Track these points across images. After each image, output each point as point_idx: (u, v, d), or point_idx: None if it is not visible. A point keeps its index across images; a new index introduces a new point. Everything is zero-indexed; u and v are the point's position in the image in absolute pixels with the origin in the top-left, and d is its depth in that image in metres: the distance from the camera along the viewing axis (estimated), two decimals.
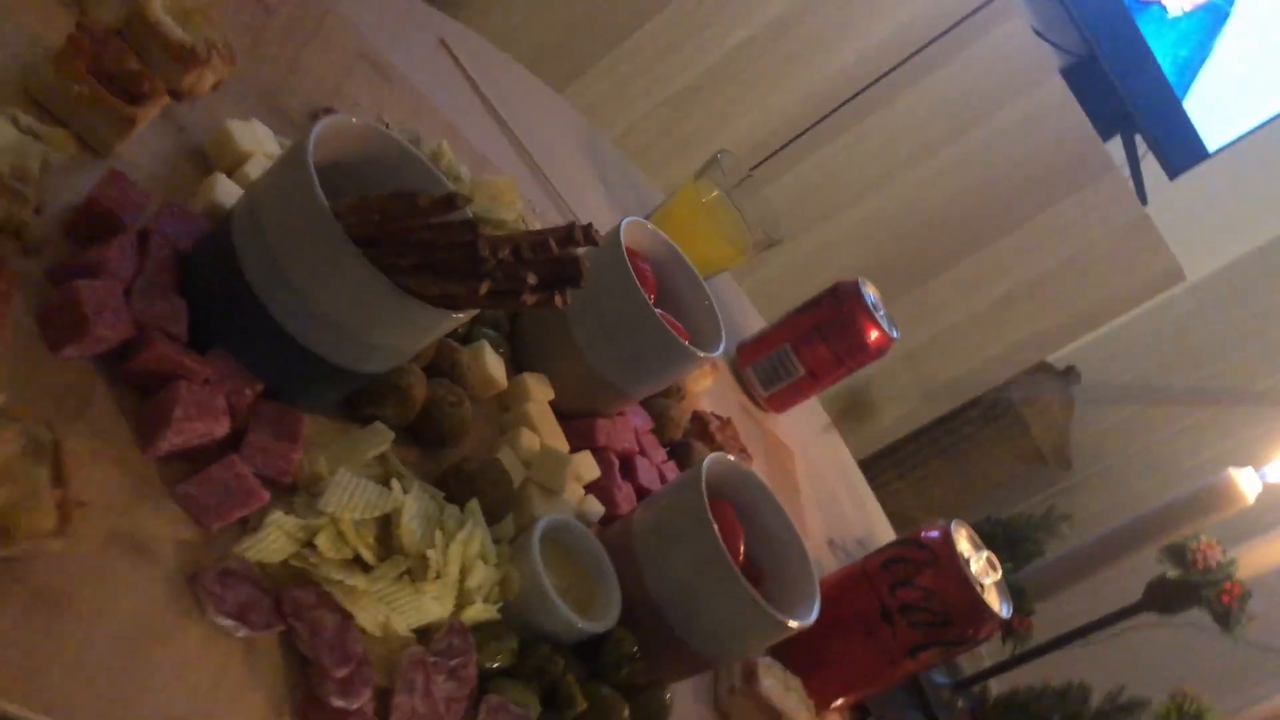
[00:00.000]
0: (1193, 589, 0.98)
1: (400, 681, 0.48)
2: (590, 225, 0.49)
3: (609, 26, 2.08)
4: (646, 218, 1.11)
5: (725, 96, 2.18)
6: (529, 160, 0.97)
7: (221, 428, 0.46)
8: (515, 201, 0.76)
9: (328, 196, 0.47)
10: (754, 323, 1.20)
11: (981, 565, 0.77)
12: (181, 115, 0.59)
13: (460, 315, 0.48)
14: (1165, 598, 1.00)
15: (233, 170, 0.57)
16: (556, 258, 0.47)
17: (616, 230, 0.71)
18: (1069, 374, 2.88)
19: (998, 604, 0.76)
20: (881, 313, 1.09)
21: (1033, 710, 0.87)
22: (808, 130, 2.27)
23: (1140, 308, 2.59)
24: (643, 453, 0.76)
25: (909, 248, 2.46)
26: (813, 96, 2.22)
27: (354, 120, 0.51)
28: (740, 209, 1.11)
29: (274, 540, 0.47)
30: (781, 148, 2.29)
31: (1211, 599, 0.97)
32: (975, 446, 2.95)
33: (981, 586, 0.75)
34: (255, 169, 0.57)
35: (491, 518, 0.57)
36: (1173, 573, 0.99)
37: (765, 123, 2.24)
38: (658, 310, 0.71)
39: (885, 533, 1.23)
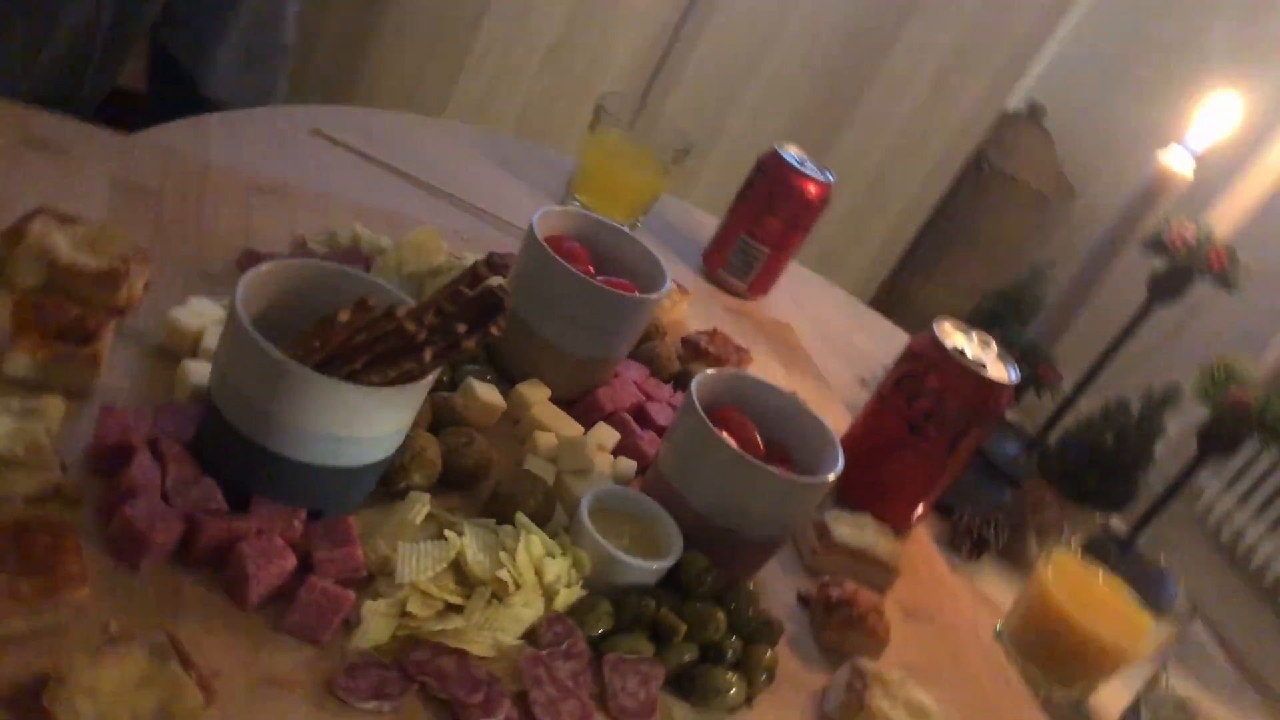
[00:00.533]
0: (1184, 270, 1.03)
1: (528, 680, 0.56)
2: (491, 255, 0.55)
3: (455, 37, 2.10)
4: (569, 186, 1.17)
5: (592, 33, 2.20)
6: (441, 194, 1.03)
7: (290, 561, 0.54)
8: (439, 246, 0.82)
9: (279, 333, 0.54)
10: (713, 230, 1.25)
11: (975, 346, 0.83)
12: (132, 325, 0.66)
13: (425, 381, 0.56)
14: (1166, 288, 1.06)
15: (194, 351, 0.64)
16: (475, 297, 0.53)
17: (530, 229, 0.77)
18: (1034, 111, 2.89)
19: (1004, 372, 0.83)
20: (809, 165, 1.14)
21: (1087, 440, 0.93)
22: (681, 29, 2.29)
23: (1069, 23, 2.59)
24: (650, 398, 0.83)
25: (823, 88, 2.48)
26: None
27: (264, 267, 0.58)
28: (644, 137, 1.16)
29: (375, 625, 0.55)
30: (664, 57, 2.32)
31: (1204, 269, 1.02)
32: (981, 218, 2.97)
33: (983, 365, 0.82)
34: (211, 339, 0.64)
35: (542, 518, 0.65)
36: (1161, 263, 1.04)
37: (641, 36, 2.26)
38: (599, 278, 0.78)
39: (905, 339, 1.30)
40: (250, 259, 0.76)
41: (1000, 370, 0.83)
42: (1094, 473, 0.93)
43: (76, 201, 0.72)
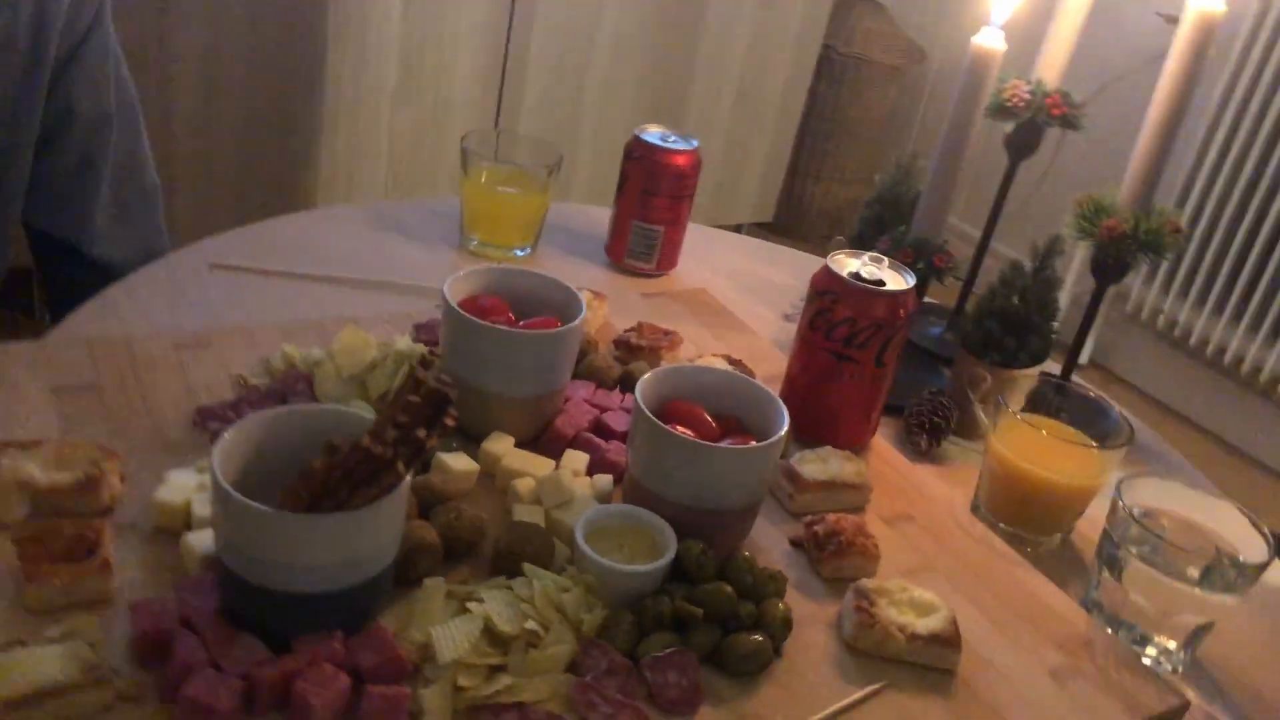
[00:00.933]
0: (1031, 123, 1.11)
1: (582, 707, 0.63)
2: (424, 355, 0.61)
3: (301, 125, 2.12)
4: (462, 229, 1.22)
5: (428, 74, 2.23)
6: (350, 282, 1.07)
7: (343, 681, 0.59)
8: (367, 340, 0.87)
9: (262, 480, 0.59)
10: (607, 222, 1.30)
11: (868, 265, 0.90)
12: (124, 517, 0.71)
13: (404, 483, 0.61)
14: (1021, 145, 1.13)
15: (188, 523, 0.69)
16: (424, 398, 0.59)
17: (444, 299, 0.82)
18: None
19: (901, 280, 0.90)
20: (672, 137, 1.20)
21: (995, 307, 1.01)
22: (509, 47, 2.33)
23: None
24: (604, 409, 0.89)
25: (658, 49, 2.54)
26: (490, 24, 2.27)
27: (227, 436, 0.63)
28: (514, 163, 1.21)
29: (436, 708, 0.61)
30: (503, 77, 2.36)
31: (1048, 118, 1.10)
32: (847, 107, 3.05)
33: (880, 280, 0.89)
34: (200, 507, 0.69)
35: (545, 559, 0.71)
36: (1008, 126, 1.12)
37: (475, 66, 2.29)
38: (520, 323, 0.84)
39: (815, 261, 1.37)
40: (204, 414, 0.80)
41: (897, 278, 0.90)
42: (1010, 335, 1.00)
43: (28, 423, 0.76)
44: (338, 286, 1.06)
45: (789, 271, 1.35)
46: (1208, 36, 0.94)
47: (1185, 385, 2.72)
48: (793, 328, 1.12)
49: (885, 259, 0.92)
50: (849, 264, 0.91)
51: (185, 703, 0.57)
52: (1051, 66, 1.10)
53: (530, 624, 0.64)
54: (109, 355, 0.86)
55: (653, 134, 1.20)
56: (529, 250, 1.22)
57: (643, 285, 1.20)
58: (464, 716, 0.62)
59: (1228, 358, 2.57)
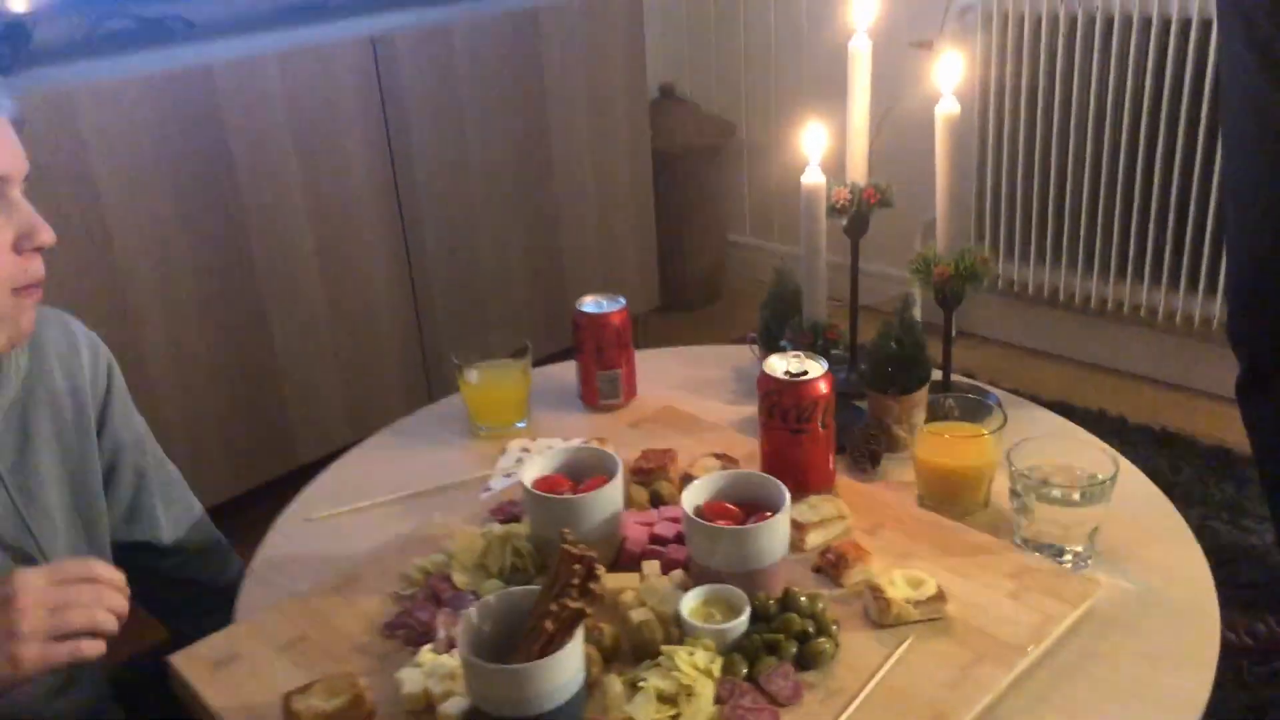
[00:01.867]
0: (861, 215, 1.50)
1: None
2: (562, 533, 0.93)
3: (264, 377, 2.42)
4: (470, 423, 1.54)
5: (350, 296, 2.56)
6: (429, 494, 1.38)
7: None
8: (473, 535, 1.18)
9: (481, 647, 0.91)
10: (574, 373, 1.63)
11: (792, 361, 1.26)
12: (385, 716, 1.00)
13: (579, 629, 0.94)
14: (856, 229, 1.52)
15: (430, 701, 0.99)
16: (579, 582, 0.91)
17: (524, 486, 1.15)
18: (666, 91, 3.41)
19: (818, 366, 1.26)
20: (604, 302, 1.55)
21: (881, 355, 1.38)
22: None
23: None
24: (651, 525, 1.22)
25: (529, 180, 2.90)
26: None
27: (457, 626, 0.94)
28: (487, 357, 1.54)
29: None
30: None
31: (869, 206, 1.49)
32: (686, 191, 3.47)
33: (804, 370, 1.25)
34: (435, 684, 0.99)
35: (667, 640, 1.04)
36: (844, 220, 1.51)
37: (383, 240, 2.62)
38: (580, 488, 1.17)
39: (728, 351, 1.73)
40: (390, 627, 1.11)
41: (815, 365, 1.26)
42: (898, 371, 1.37)
43: (282, 675, 1.05)
44: (405, 502, 1.37)
45: (713, 365, 1.70)
46: (955, 129, 1.35)
47: (1030, 325, 3.19)
48: (739, 410, 1.47)
49: (801, 353, 1.28)
50: (777, 366, 1.27)
51: None
52: (857, 168, 1.49)
53: (684, 680, 0.97)
54: (297, 613, 1.15)
55: (589, 303, 1.55)
56: (525, 422, 1.55)
57: (622, 417, 1.54)
58: None
59: (1060, 295, 3.05)
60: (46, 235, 1.08)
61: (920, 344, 1.39)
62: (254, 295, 2.41)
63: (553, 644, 0.91)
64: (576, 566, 0.92)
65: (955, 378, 1.53)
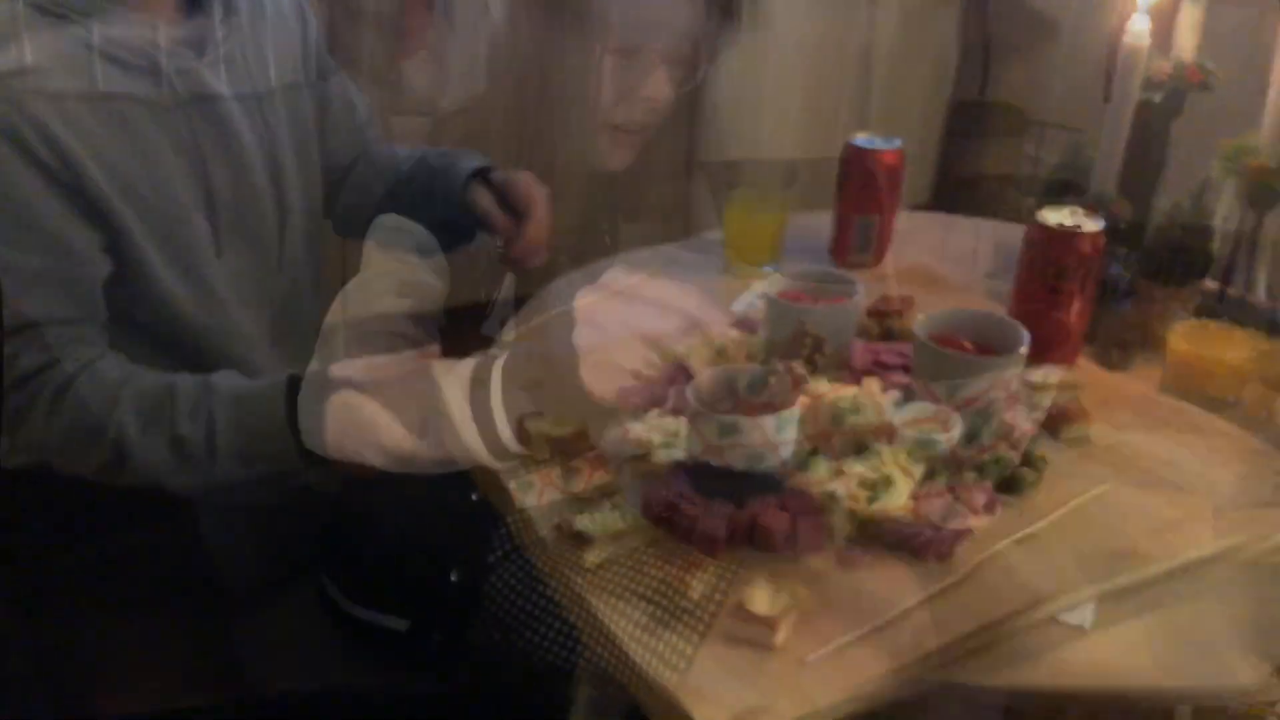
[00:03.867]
0: (1176, 92, 1.43)
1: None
2: (819, 337, 0.99)
3: None
4: (725, 257, 1.60)
5: None
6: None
7: (786, 515, 0.98)
8: (708, 338, 1.26)
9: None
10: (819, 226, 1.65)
11: (1066, 217, 1.24)
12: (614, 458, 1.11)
13: (800, 398, 0.99)
14: (1169, 110, 1.45)
15: (648, 451, 1.09)
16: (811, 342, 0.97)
17: (769, 298, 1.20)
18: None
19: (1093, 224, 1.22)
20: (878, 140, 1.53)
21: (1162, 240, 1.31)
22: None
23: None
24: (877, 353, 1.25)
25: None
26: None
27: (694, 385, 1.02)
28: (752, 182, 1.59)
29: (839, 525, 0.98)
30: None
31: (1189, 86, 1.41)
32: None
33: (1078, 226, 1.21)
34: (652, 434, 1.08)
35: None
36: (1157, 96, 1.43)
37: None
38: (821, 302, 1.22)
39: (993, 225, 1.69)
40: (624, 393, 1.20)
41: (1090, 223, 1.24)
42: (1178, 260, 1.31)
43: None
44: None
45: (969, 235, 1.67)
46: None
47: None
48: (996, 285, 1.46)
49: (1079, 210, 1.25)
50: (1051, 216, 1.25)
51: (700, 536, 0.96)
52: (1186, 43, 1.41)
53: (885, 470, 1.01)
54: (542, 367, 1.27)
55: (862, 139, 1.54)
56: (776, 266, 1.58)
57: (864, 276, 1.55)
58: (856, 530, 0.99)
59: None
60: None
61: (1207, 236, 1.33)
62: None
63: (774, 402, 0.98)
64: (808, 339, 0.98)
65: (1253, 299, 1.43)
